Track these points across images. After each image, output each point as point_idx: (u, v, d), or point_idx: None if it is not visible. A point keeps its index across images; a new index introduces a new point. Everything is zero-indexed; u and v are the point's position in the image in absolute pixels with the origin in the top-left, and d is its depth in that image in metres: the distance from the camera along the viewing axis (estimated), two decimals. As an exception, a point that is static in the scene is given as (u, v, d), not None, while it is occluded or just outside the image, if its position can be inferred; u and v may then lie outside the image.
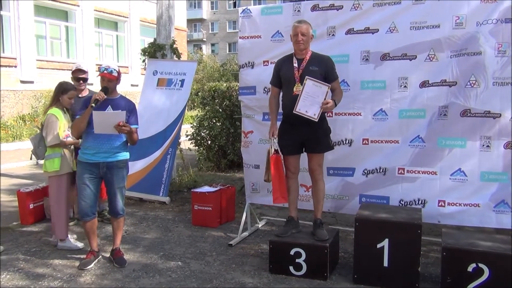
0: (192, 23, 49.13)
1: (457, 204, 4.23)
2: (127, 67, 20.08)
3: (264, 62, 4.80)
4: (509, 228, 4.12)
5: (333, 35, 4.56)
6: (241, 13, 4.89)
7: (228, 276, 3.98)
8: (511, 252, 3.44)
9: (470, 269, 3.46)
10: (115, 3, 19.21)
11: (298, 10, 4.62)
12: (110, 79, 4.06)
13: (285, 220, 4.29)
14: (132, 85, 18.77)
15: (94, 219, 4.21)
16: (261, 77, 4.76)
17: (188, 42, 35.61)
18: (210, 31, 52.65)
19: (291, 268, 3.94)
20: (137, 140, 4.20)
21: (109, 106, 4.08)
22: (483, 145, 4.13)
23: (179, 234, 5.09)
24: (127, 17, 20.25)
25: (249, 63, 4.91)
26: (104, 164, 4.06)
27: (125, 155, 4.20)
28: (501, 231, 4.76)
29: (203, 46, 51.35)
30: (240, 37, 4.94)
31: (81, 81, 5.11)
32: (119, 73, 4.14)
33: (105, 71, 4.05)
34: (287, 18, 4.60)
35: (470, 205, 4.20)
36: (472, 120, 4.12)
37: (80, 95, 5.05)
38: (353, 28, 4.47)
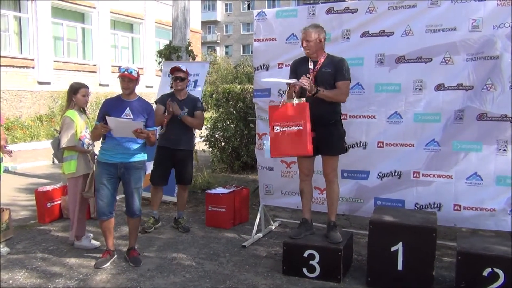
0: (207, 25, 49.40)
1: (473, 209, 4.21)
2: (142, 68, 20.25)
3: (279, 64, 4.82)
4: None
5: (348, 38, 4.56)
6: (256, 16, 4.92)
7: (241, 277, 4.00)
8: (527, 257, 3.42)
9: (485, 273, 3.44)
10: (131, 5, 19.42)
11: (313, 13, 4.64)
12: (130, 79, 4.12)
13: (299, 222, 4.30)
14: (147, 86, 18.94)
15: (111, 219, 4.26)
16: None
17: (202, 44, 35.74)
18: (224, 33, 52.87)
19: (304, 270, 3.95)
20: (155, 141, 4.28)
21: (127, 108, 4.13)
22: (500, 149, 4.10)
23: (193, 235, 5.13)
24: (143, 19, 20.45)
25: (264, 65, 4.94)
26: (122, 164, 4.12)
27: (143, 156, 4.26)
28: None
29: (217, 48, 51.59)
30: (255, 40, 4.97)
31: (178, 81, 5.12)
32: (138, 74, 4.19)
33: (126, 72, 4.10)
34: (302, 21, 4.61)
35: (486, 209, 4.17)
36: (488, 124, 4.09)
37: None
38: (368, 31, 4.47)
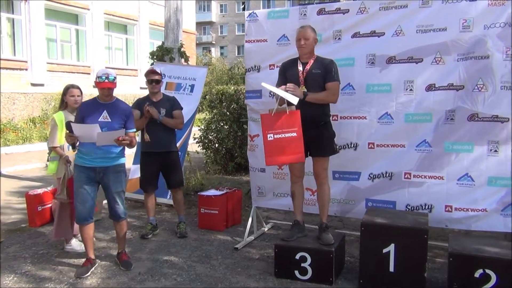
0: (201, 26, 49.39)
1: (465, 210, 4.19)
2: (136, 70, 20.21)
3: (270, 66, 4.80)
4: None
5: (339, 38, 4.55)
6: (247, 17, 4.90)
7: (233, 280, 3.97)
8: (518, 258, 3.41)
9: (477, 274, 3.42)
10: (124, 7, 19.36)
11: (304, 14, 4.62)
12: (110, 87, 4.01)
13: (291, 224, 4.28)
14: (141, 88, 18.89)
15: (91, 224, 4.14)
16: (268, 81, 4.75)
17: (197, 45, 35.74)
18: (219, 34, 52.87)
19: (296, 272, 3.93)
20: (135, 143, 4.18)
21: (104, 111, 4.03)
22: (491, 149, 4.09)
23: (185, 238, 5.09)
24: (137, 20, 20.40)
25: (255, 66, 4.92)
26: (101, 169, 4.02)
27: (122, 159, 4.16)
28: (509, 237, 4.73)
29: (212, 49, 51.60)
30: (246, 41, 4.95)
31: (154, 83, 5.09)
32: (115, 76, 4.07)
33: (107, 81, 3.95)
34: (294, 22, 4.59)
35: (478, 210, 4.16)
36: (479, 125, 4.08)
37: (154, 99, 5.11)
38: (359, 32, 4.46)
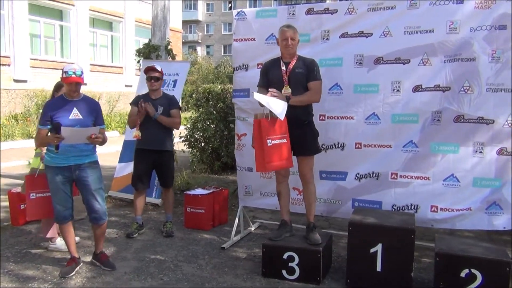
0: (188, 24, 49.11)
1: (450, 210, 4.24)
2: (122, 67, 20.02)
3: (258, 65, 4.78)
4: (501, 229, 4.15)
5: (327, 38, 4.56)
6: (235, 16, 4.88)
7: (220, 280, 3.95)
8: (504, 258, 3.46)
9: (463, 274, 3.46)
10: (110, 3, 19.15)
11: (293, 14, 4.62)
12: (78, 82, 3.88)
13: (278, 223, 4.28)
14: (126, 85, 18.73)
15: (71, 222, 4.07)
16: (255, 80, 4.69)
17: (183, 43, 35.52)
18: (205, 33, 52.66)
19: (284, 272, 3.92)
20: (106, 140, 4.04)
21: (74, 108, 3.91)
22: (476, 151, 4.14)
23: (171, 237, 5.05)
24: (122, 18, 20.19)
25: (243, 65, 4.90)
26: (76, 167, 3.91)
27: (95, 156, 4.07)
28: (494, 238, 4.80)
29: (198, 48, 51.38)
30: (234, 40, 4.93)
31: (153, 80, 5.04)
32: (83, 71, 3.95)
33: (74, 75, 3.81)
34: (282, 21, 4.57)
35: (463, 209, 4.21)
36: (465, 126, 4.13)
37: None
38: (347, 32, 4.47)
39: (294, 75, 4.03)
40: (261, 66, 4.73)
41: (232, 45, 5.05)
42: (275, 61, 4.17)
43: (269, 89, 3.88)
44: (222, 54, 49.36)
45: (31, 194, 4.21)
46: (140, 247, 4.74)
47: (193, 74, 28.53)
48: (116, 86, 18.52)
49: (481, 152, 4.13)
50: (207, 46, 52.84)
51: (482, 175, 4.15)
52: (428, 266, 4.20)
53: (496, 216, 4.11)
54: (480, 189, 4.16)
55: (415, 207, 4.35)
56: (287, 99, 3.87)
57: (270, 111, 3.76)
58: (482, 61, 4.04)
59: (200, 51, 50.51)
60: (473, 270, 3.43)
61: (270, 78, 4.11)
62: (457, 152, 4.19)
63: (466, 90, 4.10)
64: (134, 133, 4.98)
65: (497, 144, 4.08)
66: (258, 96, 3.75)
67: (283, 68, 4.07)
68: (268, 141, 3.74)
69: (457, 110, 4.14)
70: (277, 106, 3.72)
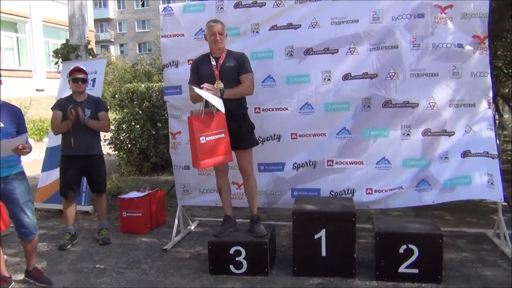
0: (99, 23, 47.06)
1: (384, 191, 4.45)
2: (31, 70, 18.70)
3: (188, 60, 4.68)
4: (430, 204, 4.43)
5: (257, 32, 4.58)
6: (162, 11, 4.75)
7: (167, 282, 3.85)
8: (436, 231, 3.71)
9: (401, 250, 3.65)
10: (13, 3, 17.78)
11: (221, 8, 4.58)
12: None
13: (218, 220, 4.25)
14: (37, 89, 17.54)
15: None
16: (186, 76, 4.60)
17: (95, 43, 34.05)
18: (118, 31, 50.82)
19: (231, 267, 3.90)
20: (31, 148, 3.69)
21: None
22: (404, 133, 4.38)
23: (108, 244, 4.83)
24: (28, 18, 18.85)
25: (173, 62, 4.79)
26: (1, 179, 3.58)
27: (21, 166, 3.76)
28: (420, 214, 5.13)
29: (111, 47, 49.46)
30: (162, 36, 4.80)
31: (80, 82, 4.74)
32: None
33: None
34: (210, 16, 4.52)
35: (395, 189, 4.43)
36: (393, 111, 4.35)
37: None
38: (276, 25, 4.52)
39: (225, 70, 4.00)
40: (191, 62, 4.66)
41: (149, 43, 4.92)
42: (205, 57, 4.12)
43: (203, 85, 3.82)
44: (138, 52, 47.92)
45: None
46: (75, 258, 4.48)
47: (108, 75, 27.40)
48: (26, 91, 17.24)
49: (408, 134, 4.38)
50: (121, 45, 51.03)
51: (410, 156, 4.40)
52: (366, 246, 4.38)
53: (425, 192, 4.39)
54: (409, 169, 4.41)
55: (352, 191, 4.51)
56: (220, 93, 3.84)
57: (205, 107, 3.73)
58: (404, 48, 4.28)
59: (114, 50, 48.69)
60: (410, 246, 3.64)
61: (201, 74, 4.06)
62: (387, 136, 4.40)
63: (392, 77, 4.31)
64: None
65: (422, 126, 4.35)
66: (198, 91, 3.69)
67: (213, 63, 4.03)
68: (201, 138, 3.69)
69: (384, 96, 4.35)
70: (215, 100, 3.69)
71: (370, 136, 4.43)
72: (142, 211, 5.16)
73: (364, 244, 4.46)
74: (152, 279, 3.93)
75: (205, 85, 3.79)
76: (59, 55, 6.51)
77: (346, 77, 4.42)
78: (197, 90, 3.70)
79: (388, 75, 4.32)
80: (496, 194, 4.28)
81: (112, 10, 50.39)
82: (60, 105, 4.73)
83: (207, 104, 3.73)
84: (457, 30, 4.27)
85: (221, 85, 3.95)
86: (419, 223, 4.00)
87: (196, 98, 3.98)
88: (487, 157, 4.30)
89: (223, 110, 3.71)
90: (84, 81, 4.77)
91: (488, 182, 4.30)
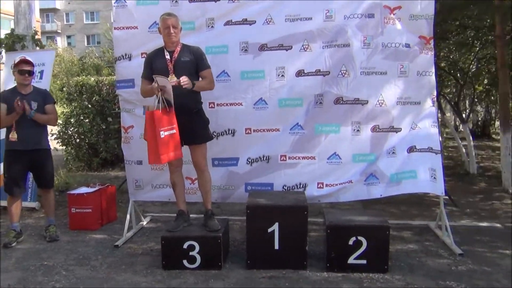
0: (44, 13, 45.18)
1: (334, 185, 4.57)
2: (-30, 61, 17.76)
3: (142, 54, 4.60)
4: (378, 197, 4.60)
5: (212, 26, 4.57)
6: (114, 3, 4.65)
7: (119, 278, 3.79)
8: (383, 223, 3.87)
9: (351, 242, 3.78)
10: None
11: (176, 1, 4.54)
12: None
13: (170, 215, 4.22)
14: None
15: None
16: (140, 70, 4.53)
17: (41, 34, 32.72)
18: (65, 22, 48.95)
19: (185, 261, 3.89)
20: None
21: None
22: (354, 129, 4.53)
23: (56, 241, 4.69)
24: (-34, 5, 17.87)
25: (126, 55, 4.70)
26: None
27: None
28: (368, 207, 5.31)
29: (58, 39, 47.62)
30: (115, 28, 4.70)
31: (26, 75, 4.54)
32: None
33: None
34: (165, 9, 4.44)
35: (345, 183, 4.57)
36: (344, 107, 4.48)
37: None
38: (231, 20, 4.54)
39: (179, 64, 3.97)
40: (145, 55, 4.59)
41: (98, 35, 4.82)
42: (159, 50, 4.07)
43: (181, 78, 3.78)
44: (86, 45, 46.38)
45: None
46: (21, 256, 4.32)
47: (54, 67, 26.44)
48: (-35, 82, 16.40)
49: (358, 130, 4.52)
50: (68, 37, 49.19)
51: (360, 151, 4.55)
52: (316, 239, 4.49)
53: (374, 186, 4.55)
54: (358, 163, 4.56)
55: (304, 186, 4.61)
56: (192, 84, 3.82)
57: (162, 102, 3.70)
58: (356, 47, 4.41)
59: (61, 42, 46.91)
60: (359, 237, 3.78)
61: (154, 68, 4.01)
62: (338, 132, 4.53)
63: (343, 74, 4.44)
64: (11, 135, 4.49)
65: (371, 122, 4.51)
66: (162, 81, 3.67)
67: (168, 57, 3.99)
68: (161, 133, 3.67)
69: (336, 93, 4.47)
70: (172, 95, 3.68)
71: (322, 132, 4.54)
72: (92, 206, 5.04)
73: (315, 237, 4.57)
74: (103, 275, 3.86)
75: (183, 78, 3.77)
76: (3, 45, 6.21)
77: (300, 73, 4.50)
78: (159, 78, 3.67)
79: (340, 73, 4.44)
80: (438, 188, 4.52)
81: (58, 0, 48.47)
82: (5, 98, 4.54)
83: (159, 99, 3.71)
84: (405, 31, 4.45)
85: (175, 79, 3.92)
86: (367, 215, 4.16)
87: (148, 93, 3.95)
88: (431, 152, 4.52)
89: (173, 105, 3.69)
90: (31, 73, 4.60)
91: (431, 176, 4.52)
